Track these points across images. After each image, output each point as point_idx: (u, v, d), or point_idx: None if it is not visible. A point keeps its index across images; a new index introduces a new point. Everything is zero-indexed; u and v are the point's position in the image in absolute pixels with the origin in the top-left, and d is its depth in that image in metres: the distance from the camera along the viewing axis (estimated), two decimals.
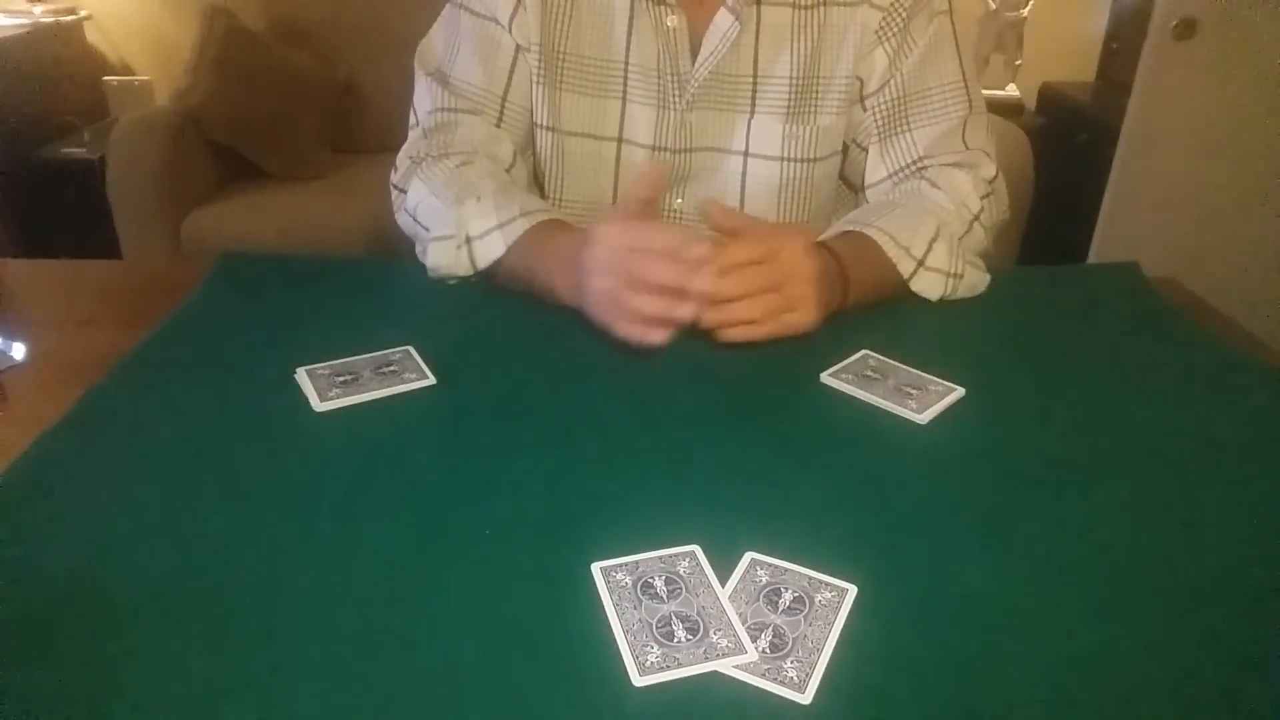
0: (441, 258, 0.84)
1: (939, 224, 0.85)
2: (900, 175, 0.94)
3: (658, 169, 0.72)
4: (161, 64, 2.74)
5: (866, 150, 0.96)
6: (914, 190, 0.92)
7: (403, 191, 0.92)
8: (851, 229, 0.84)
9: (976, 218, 0.89)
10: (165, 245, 2.18)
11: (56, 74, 2.60)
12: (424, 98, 0.95)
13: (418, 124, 0.95)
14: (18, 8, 2.65)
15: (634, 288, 0.68)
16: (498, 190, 0.84)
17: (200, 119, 2.24)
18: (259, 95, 2.32)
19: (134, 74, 2.75)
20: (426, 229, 0.87)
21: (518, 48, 0.92)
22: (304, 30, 2.51)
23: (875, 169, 0.95)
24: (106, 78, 2.63)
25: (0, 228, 2.42)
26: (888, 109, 0.93)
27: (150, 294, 0.86)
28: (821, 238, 0.85)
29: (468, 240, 0.82)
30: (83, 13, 2.73)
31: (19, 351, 0.74)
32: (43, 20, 2.61)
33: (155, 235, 2.18)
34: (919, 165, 0.93)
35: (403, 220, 0.92)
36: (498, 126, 0.94)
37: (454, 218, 0.83)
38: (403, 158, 0.94)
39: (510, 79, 0.93)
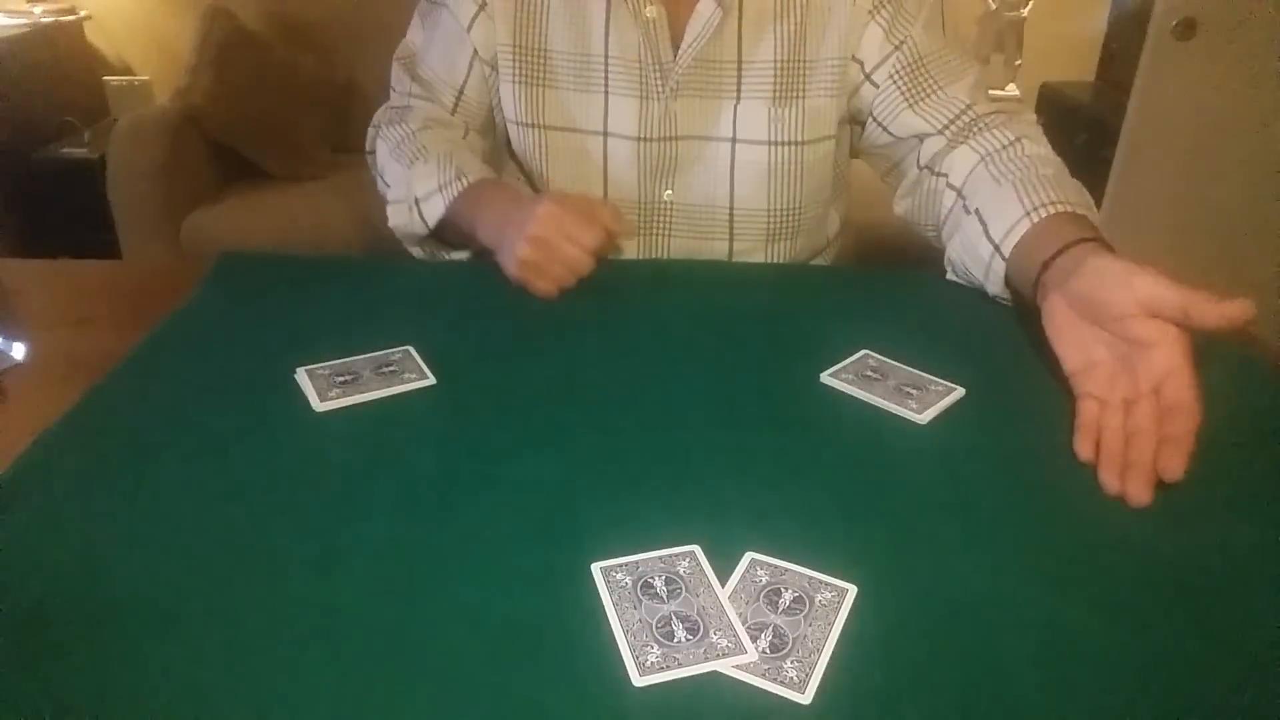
0: (398, 218, 0.94)
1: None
2: (954, 129, 0.91)
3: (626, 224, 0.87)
4: (161, 64, 2.74)
5: (886, 124, 0.94)
6: (1023, 154, 0.85)
7: (372, 154, 1.02)
8: (1068, 210, 0.76)
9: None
10: (165, 245, 2.18)
11: (56, 74, 2.61)
12: (396, 79, 1.04)
13: (390, 98, 1.04)
14: (18, 8, 2.65)
15: (551, 260, 0.80)
16: (443, 154, 0.91)
17: (200, 119, 2.24)
18: (259, 95, 2.32)
19: (134, 74, 2.75)
20: (388, 189, 0.96)
21: (475, 53, 0.96)
22: (304, 30, 2.51)
23: (917, 124, 0.92)
24: (106, 78, 2.63)
25: (0, 228, 2.42)
26: (909, 74, 0.92)
27: (150, 294, 0.86)
28: (1057, 248, 0.72)
29: (416, 201, 0.91)
30: (83, 13, 2.73)
31: (19, 351, 0.73)
32: (43, 20, 2.62)
33: (155, 235, 2.18)
34: (971, 115, 0.91)
35: (379, 185, 1.00)
36: (451, 114, 1.00)
37: (405, 180, 0.92)
38: (371, 127, 1.04)
39: (467, 78, 0.98)
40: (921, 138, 0.93)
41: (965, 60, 0.94)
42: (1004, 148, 0.87)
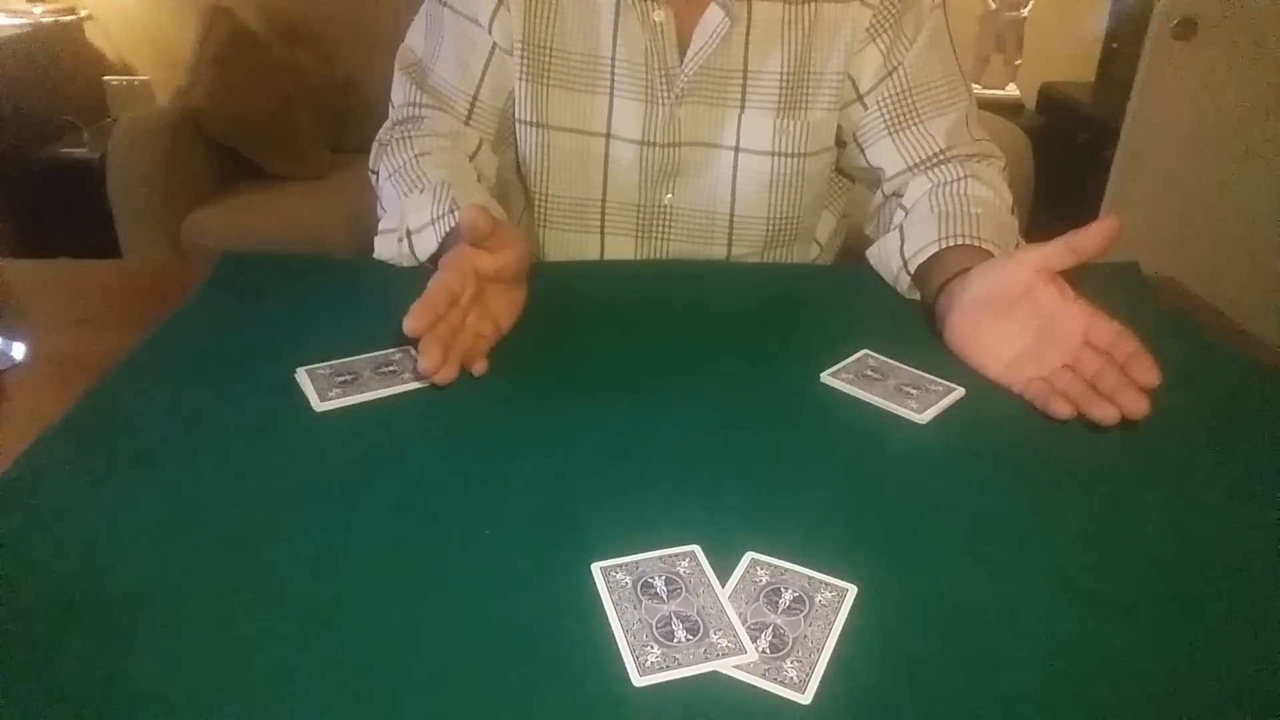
0: (385, 250, 0.87)
1: (1014, 223, 0.89)
2: (923, 166, 0.93)
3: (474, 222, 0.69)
4: (161, 64, 2.74)
5: (865, 147, 0.96)
6: (963, 192, 0.88)
7: (375, 173, 0.95)
8: (967, 244, 0.80)
9: (1012, 210, 0.92)
10: (165, 245, 2.19)
11: (56, 74, 2.61)
12: (398, 91, 0.97)
13: (391, 113, 0.98)
14: (18, 8, 2.65)
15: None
16: (440, 183, 0.83)
17: (200, 119, 2.25)
18: (259, 95, 2.32)
19: (134, 74, 2.75)
20: (383, 216, 0.90)
21: (494, 47, 0.93)
22: (304, 30, 2.52)
23: (892, 161, 0.95)
24: (106, 78, 2.63)
25: (0, 228, 2.42)
26: (894, 101, 0.93)
27: (150, 294, 0.86)
28: (954, 272, 0.77)
29: (408, 233, 0.83)
30: (83, 13, 2.73)
31: (19, 351, 0.74)
32: (43, 20, 2.62)
33: (155, 235, 2.19)
34: (943, 157, 0.93)
35: (377, 210, 0.93)
36: (465, 124, 0.95)
37: (399, 210, 0.85)
38: (375, 143, 0.97)
39: (483, 79, 0.94)
40: (892, 170, 0.95)
41: (956, 91, 0.94)
42: (951, 182, 0.90)
